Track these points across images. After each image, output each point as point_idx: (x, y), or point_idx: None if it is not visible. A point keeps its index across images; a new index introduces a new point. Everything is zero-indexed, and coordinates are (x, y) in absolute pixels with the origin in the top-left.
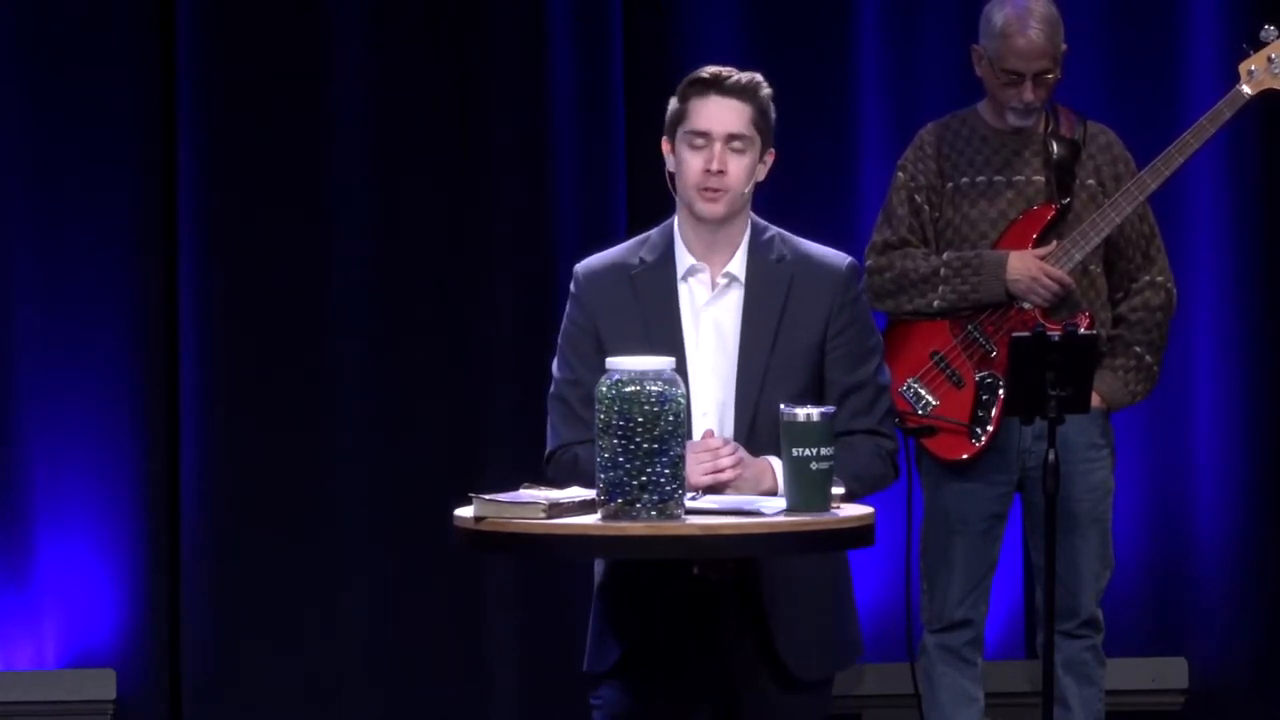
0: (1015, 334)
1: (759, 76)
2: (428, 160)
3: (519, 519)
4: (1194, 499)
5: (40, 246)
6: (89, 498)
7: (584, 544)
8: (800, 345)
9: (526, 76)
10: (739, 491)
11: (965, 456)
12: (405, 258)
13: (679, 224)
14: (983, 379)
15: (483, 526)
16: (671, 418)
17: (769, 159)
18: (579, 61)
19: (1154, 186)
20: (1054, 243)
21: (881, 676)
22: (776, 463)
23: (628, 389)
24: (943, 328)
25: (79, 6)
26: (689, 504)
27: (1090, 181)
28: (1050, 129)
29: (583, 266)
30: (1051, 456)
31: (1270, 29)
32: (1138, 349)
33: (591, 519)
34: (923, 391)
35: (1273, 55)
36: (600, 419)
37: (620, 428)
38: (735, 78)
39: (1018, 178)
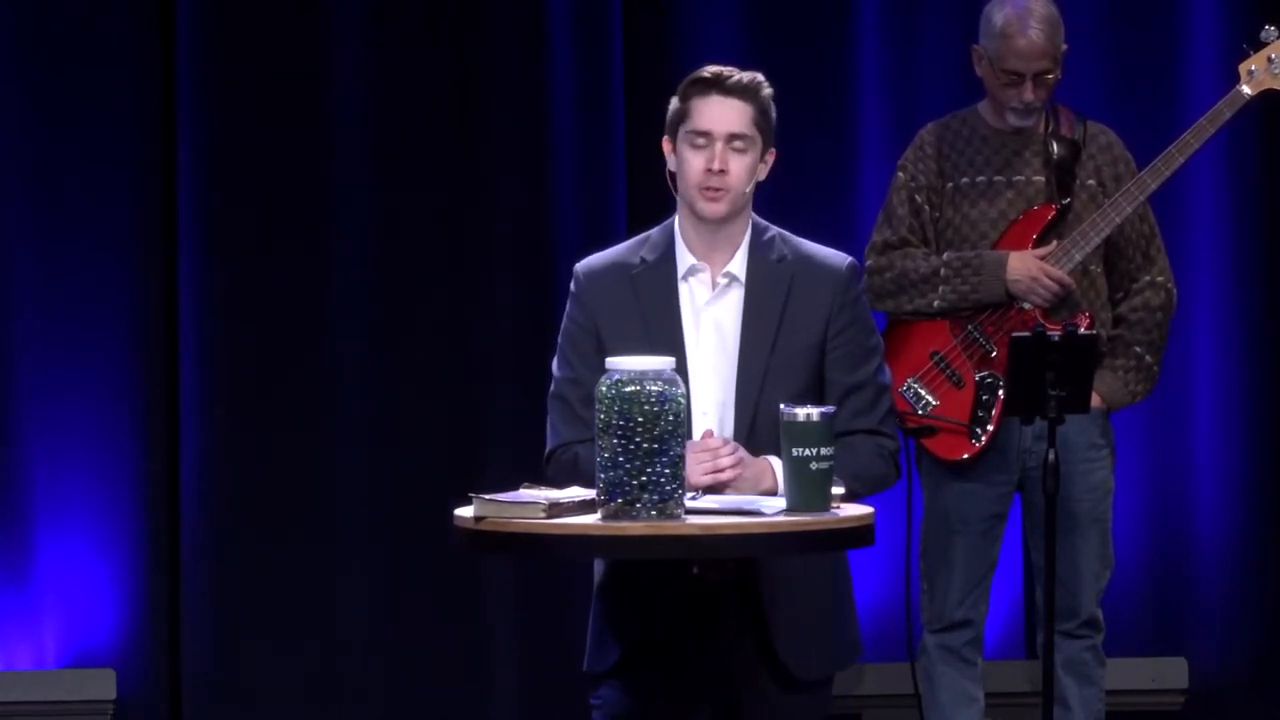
0: (1015, 334)
1: (760, 76)
2: (428, 160)
3: (519, 519)
4: (1194, 499)
5: (40, 246)
6: (89, 498)
7: (584, 544)
8: (800, 345)
9: (526, 77)
10: (739, 491)
11: (965, 456)
12: (405, 258)
13: (680, 223)
14: (983, 379)
15: (483, 526)
16: (671, 417)
17: (770, 159)
18: (579, 61)
19: (1154, 187)
20: (1054, 243)
21: (881, 676)
22: (776, 462)
23: (628, 389)
24: (943, 328)
25: (79, 6)
26: (689, 504)
27: (1090, 182)
28: (1050, 129)
29: (583, 266)
30: (1051, 456)
31: (1270, 29)
32: (1138, 349)
33: (591, 519)
34: (923, 391)
35: (1273, 55)
36: (600, 419)
37: (620, 427)
38: (736, 77)
39: (1018, 178)
